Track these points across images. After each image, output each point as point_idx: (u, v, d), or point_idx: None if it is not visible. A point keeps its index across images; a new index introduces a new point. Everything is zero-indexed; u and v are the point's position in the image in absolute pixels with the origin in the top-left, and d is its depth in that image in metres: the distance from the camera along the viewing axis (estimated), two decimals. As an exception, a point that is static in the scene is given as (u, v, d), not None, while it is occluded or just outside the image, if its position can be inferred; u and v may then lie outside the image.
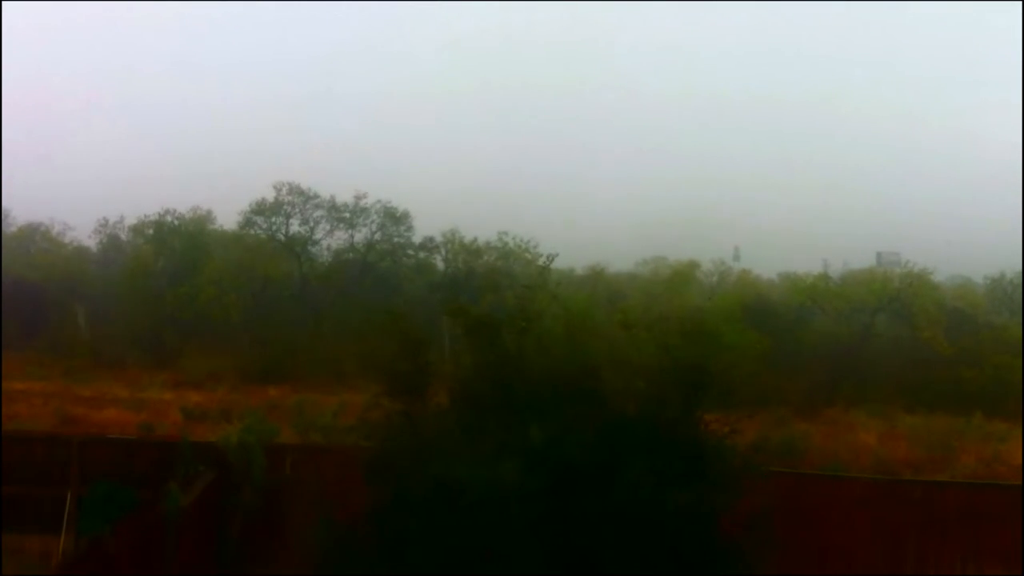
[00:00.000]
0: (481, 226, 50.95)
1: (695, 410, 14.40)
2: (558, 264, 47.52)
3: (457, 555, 12.94)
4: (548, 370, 14.37)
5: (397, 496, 13.75)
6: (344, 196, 51.48)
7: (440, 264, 50.83)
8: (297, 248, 50.95)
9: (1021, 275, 49.65)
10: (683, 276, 50.49)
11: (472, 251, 49.70)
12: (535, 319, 14.74)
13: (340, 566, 13.89)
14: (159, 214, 53.46)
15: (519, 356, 14.50)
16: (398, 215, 51.41)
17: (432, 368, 15.07)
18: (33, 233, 57.76)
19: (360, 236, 51.75)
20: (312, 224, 51.40)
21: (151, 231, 53.48)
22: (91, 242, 58.05)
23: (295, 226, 51.22)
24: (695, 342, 14.41)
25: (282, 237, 51.11)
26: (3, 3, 62.66)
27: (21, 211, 57.90)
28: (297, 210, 51.20)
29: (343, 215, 51.30)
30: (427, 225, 51.44)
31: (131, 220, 56.19)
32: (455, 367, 16.03)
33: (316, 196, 51.23)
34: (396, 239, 51.48)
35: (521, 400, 13.96)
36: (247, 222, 51.03)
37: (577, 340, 14.91)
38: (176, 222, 53.17)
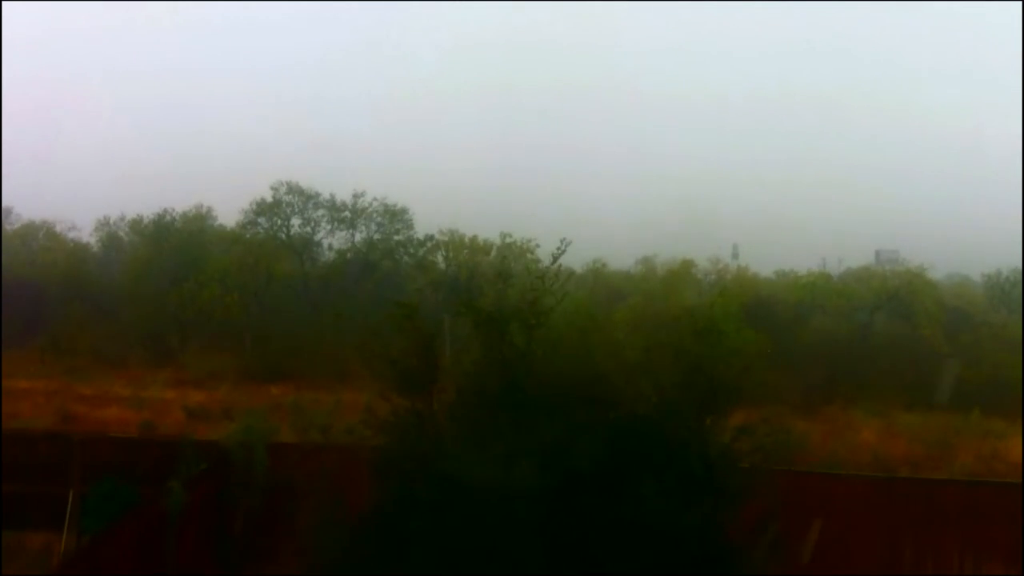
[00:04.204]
0: (480, 224, 51.08)
1: (708, 416, 14.37)
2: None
3: (461, 556, 12.96)
4: (558, 370, 14.34)
5: (402, 494, 13.76)
6: (344, 195, 51.68)
7: (441, 262, 50.93)
8: (298, 246, 51.03)
9: (1021, 273, 49.75)
10: (681, 275, 50.51)
11: (475, 248, 49.80)
12: (545, 315, 14.64)
13: (342, 566, 13.92)
14: (159, 213, 53.71)
15: (528, 354, 14.44)
16: (397, 211, 51.52)
17: (440, 365, 15.03)
18: (35, 231, 57.81)
19: (360, 235, 51.92)
20: (313, 224, 51.54)
21: (151, 229, 53.59)
22: (92, 239, 58.24)
23: (296, 226, 51.38)
24: (710, 346, 14.35)
25: (283, 236, 51.18)
26: (3, 3, 62.56)
27: (23, 209, 58.12)
28: (297, 210, 51.33)
29: (343, 214, 51.41)
30: (427, 224, 51.60)
31: (132, 218, 56.42)
32: (461, 364, 15.98)
33: (316, 195, 51.35)
34: (396, 237, 51.59)
35: (530, 399, 13.94)
36: (248, 222, 51.15)
37: (587, 340, 14.87)
38: (177, 220, 53.33)
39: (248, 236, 50.89)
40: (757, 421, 14.65)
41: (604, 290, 47.54)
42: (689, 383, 14.25)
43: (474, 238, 50.04)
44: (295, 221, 51.35)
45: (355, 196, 51.33)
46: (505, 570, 12.78)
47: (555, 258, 14.83)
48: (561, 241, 14.96)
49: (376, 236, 51.74)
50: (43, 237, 57.43)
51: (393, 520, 13.72)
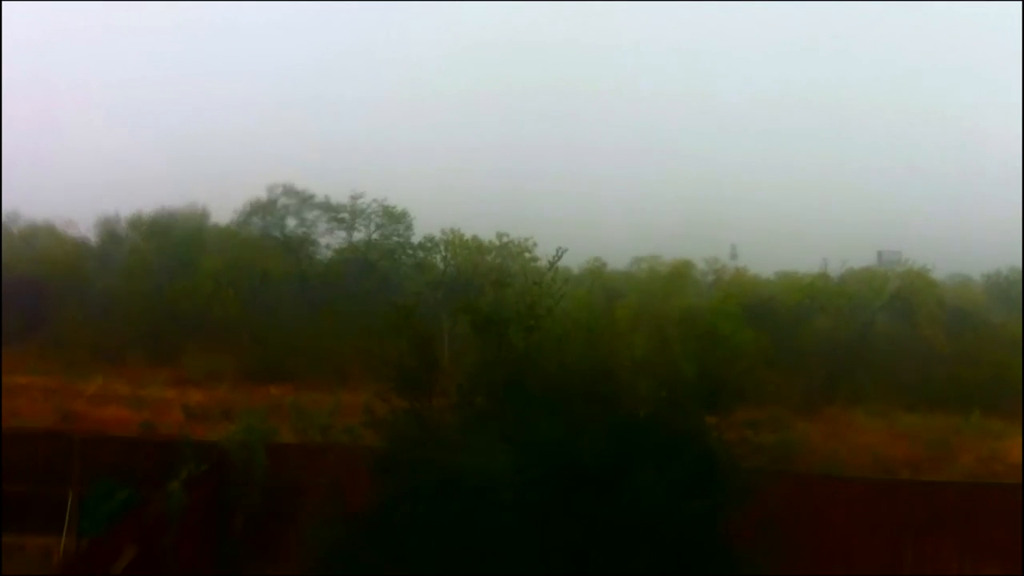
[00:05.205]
0: (478, 225, 50.99)
1: (707, 415, 14.42)
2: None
3: (461, 554, 12.97)
4: (558, 369, 14.39)
5: (402, 493, 13.78)
6: (343, 196, 51.62)
7: (439, 263, 50.89)
8: (294, 245, 50.99)
9: (1021, 272, 49.81)
10: (680, 275, 50.48)
11: (473, 249, 49.78)
12: (543, 317, 14.72)
13: (342, 565, 13.93)
14: (157, 211, 53.74)
15: (527, 354, 14.49)
16: (396, 214, 51.51)
17: (438, 365, 15.07)
18: (36, 231, 57.81)
19: (359, 236, 51.90)
20: (308, 225, 51.51)
21: (148, 227, 53.63)
22: (92, 236, 58.10)
23: (291, 227, 51.35)
24: (710, 346, 14.42)
25: (279, 235, 51.14)
26: (3, 3, 62.52)
27: (24, 209, 58.09)
28: (292, 211, 51.29)
29: (340, 216, 51.40)
30: (425, 224, 51.52)
31: (130, 215, 56.37)
32: (461, 364, 16.02)
33: (312, 196, 51.32)
34: (395, 238, 51.57)
35: (530, 399, 13.97)
36: (243, 222, 51.13)
37: (588, 340, 14.91)
38: (171, 218, 53.38)
39: (243, 234, 50.86)
40: (758, 420, 14.71)
41: (602, 290, 47.55)
42: (690, 383, 14.30)
43: (474, 238, 50.01)
44: (291, 222, 51.39)
45: (353, 197, 51.33)
46: (505, 570, 12.78)
47: (552, 264, 14.98)
48: (557, 249, 15.15)
49: (374, 236, 51.76)
50: (44, 237, 57.39)
51: (392, 520, 13.73)
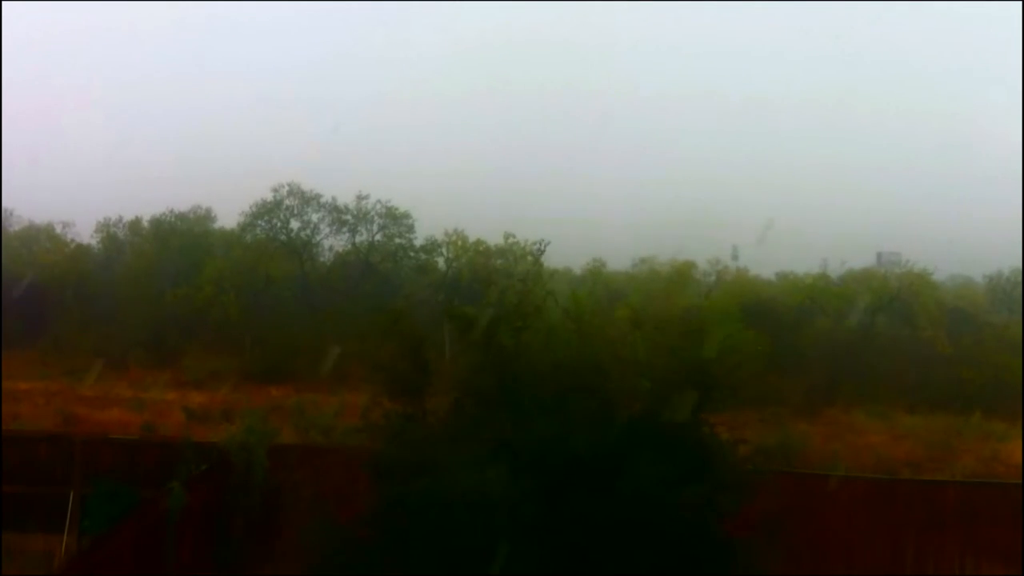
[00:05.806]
0: (480, 226, 51.01)
1: (701, 412, 14.42)
2: (556, 263, 47.87)
3: (459, 555, 12.98)
4: (549, 369, 14.38)
5: (399, 496, 13.79)
6: (346, 197, 51.62)
7: (442, 265, 50.91)
8: (298, 247, 51.02)
9: (1021, 273, 49.84)
10: (681, 275, 50.45)
11: (478, 251, 49.80)
12: (532, 316, 14.71)
13: (340, 566, 13.94)
14: (160, 214, 53.80)
15: (518, 355, 14.49)
16: (399, 215, 51.53)
17: (433, 368, 15.07)
18: (36, 233, 57.81)
19: (362, 237, 51.91)
20: (312, 226, 51.50)
21: (150, 231, 53.68)
22: (93, 241, 58.14)
23: (295, 228, 51.36)
24: (701, 343, 14.42)
25: (283, 237, 51.16)
26: (3, 3, 62.62)
27: (24, 210, 58.11)
28: (296, 212, 51.28)
29: (344, 217, 51.38)
30: (427, 226, 51.56)
31: (132, 219, 56.42)
32: (456, 367, 16.02)
33: (317, 196, 51.33)
34: (397, 240, 51.57)
35: (522, 399, 13.97)
36: (248, 224, 51.14)
37: (579, 338, 14.91)
38: (177, 221, 53.41)
39: (248, 238, 50.90)
40: (756, 420, 14.72)
41: (603, 291, 47.57)
42: (684, 380, 14.29)
43: (478, 241, 50.05)
44: (295, 224, 51.37)
45: (358, 198, 51.33)
46: (503, 569, 12.79)
47: (535, 258, 15.02)
48: (539, 242, 15.20)
49: (377, 238, 51.77)
50: (44, 239, 57.40)
51: (389, 522, 13.74)
